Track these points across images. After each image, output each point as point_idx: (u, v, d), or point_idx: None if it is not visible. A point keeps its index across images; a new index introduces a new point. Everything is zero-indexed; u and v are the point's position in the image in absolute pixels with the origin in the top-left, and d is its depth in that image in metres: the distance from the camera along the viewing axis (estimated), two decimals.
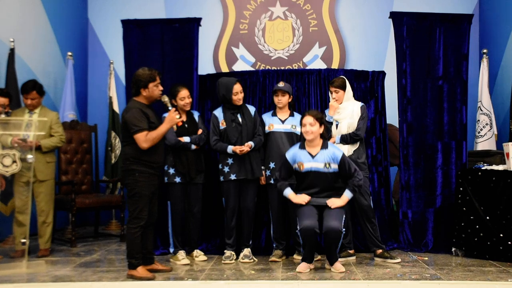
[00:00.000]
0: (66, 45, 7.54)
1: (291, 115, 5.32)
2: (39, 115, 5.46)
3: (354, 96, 5.34)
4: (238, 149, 5.09)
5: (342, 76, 5.30)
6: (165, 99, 4.59)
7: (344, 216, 4.68)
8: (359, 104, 5.22)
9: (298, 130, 5.17)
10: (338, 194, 4.77)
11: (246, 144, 5.12)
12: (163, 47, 5.61)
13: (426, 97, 5.58)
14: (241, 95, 5.21)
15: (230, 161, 5.19)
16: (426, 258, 5.18)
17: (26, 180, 5.16)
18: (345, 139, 5.09)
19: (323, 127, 4.76)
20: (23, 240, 5.00)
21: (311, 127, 4.69)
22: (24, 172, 5.09)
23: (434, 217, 5.54)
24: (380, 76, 5.77)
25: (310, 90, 5.66)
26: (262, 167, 5.24)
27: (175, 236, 5.23)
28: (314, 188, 4.76)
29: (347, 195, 4.75)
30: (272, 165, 5.18)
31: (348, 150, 5.12)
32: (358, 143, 5.18)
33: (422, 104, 5.58)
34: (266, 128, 5.28)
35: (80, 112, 7.81)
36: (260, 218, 5.55)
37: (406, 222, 5.60)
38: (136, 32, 5.63)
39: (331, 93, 5.24)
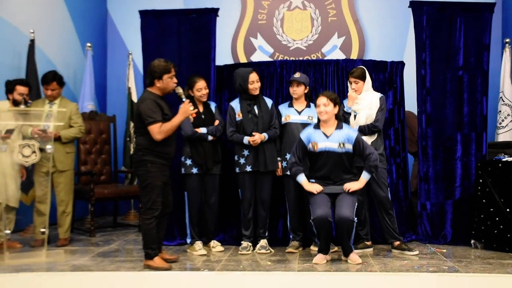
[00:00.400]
0: (86, 36, 7.59)
1: (308, 106, 5.29)
2: (59, 106, 5.52)
3: (372, 86, 5.29)
4: (250, 139, 5.09)
5: (361, 66, 5.25)
6: (179, 90, 4.59)
7: (356, 204, 4.66)
8: (378, 95, 5.16)
9: (315, 121, 5.14)
10: (351, 179, 4.75)
11: (258, 135, 5.11)
12: (180, 38, 5.60)
13: (446, 88, 5.50)
14: (257, 84, 5.19)
15: (246, 152, 5.19)
16: (445, 250, 5.13)
17: (46, 170, 5.21)
18: (363, 131, 5.04)
19: (337, 107, 4.75)
20: (42, 230, 5.07)
21: (325, 107, 4.69)
22: (44, 162, 5.16)
23: (453, 209, 5.48)
24: (399, 66, 5.71)
25: (328, 81, 5.62)
26: (279, 158, 5.22)
27: (192, 227, 5.25)
28: (328, 169, 4.72)
29: (364, 177, 4.72)
30: (288, 156, 5.16)
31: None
32: (376, 135, 5.12)
33: (442, 95, 5.50)
34: (283, 119, 5.26)
35: (99, 103, 7.88)
36: (276, 209, 5.54)
37: (424, 214, 5.55)
38: (154, 23, 5.64)
39: (350, 83, 5.19)
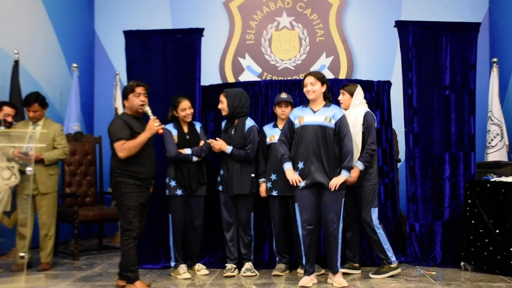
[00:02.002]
0: (72, 56, 7.55)
1: None
2: (43, 127, 5.44)
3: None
4: (210, 142, 5.11)
5: (357, 84, 5.20)
6: (146, 108, 4.56)
7: (342, 207, 4.59)
8: (364, 111, 5.03)
9: None
10: (336, 158, 4.62)
11: (220, 141, 5.12)
12: (165, 58, 5.58)
13: (433, 107, 5.47)
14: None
15: (221, 171, 5.21)
16: (434, 273, 5.05)
17: (28, 193, 5.12)
18: (366, 159, 4.94)
19: (325, 86, 4.72)
20: (22, 254, 4.96)
21: (312, 86, 4.67)
22: (26, 184, 5.07)
23: (442, 230, 5.41)
24: (385, 86, 5.67)
25: None
26: (263, 179, 5.15)
27: (176, 250, 5.15)
28: (311, 143, 4.60)
29: (343, 174, 4.58)
30: (273, 176, 5.08)
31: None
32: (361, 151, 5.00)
33: (429, 114, 5.47)
34: (268, 139, 5.20)
35: (86, 123, 7.82)
36: (262, 230, 5.46)
37: (413, 235, 5.47)
38: (138, 43, 5.62)
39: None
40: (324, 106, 4.71)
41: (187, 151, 5.08)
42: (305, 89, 4.73)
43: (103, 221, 6.52)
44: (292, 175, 4.64)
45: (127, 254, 4.41)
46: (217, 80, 7.65)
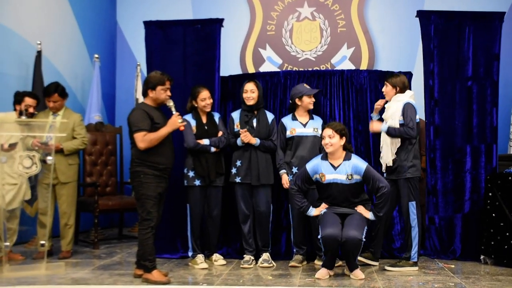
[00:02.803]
0: (94, 47, 7.62)
1: (311, 118, 5.25)
2: (63, 117, 5.50)
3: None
4: (241, 134, 5.09)
5: (403, 75, 5.14)
6: (170, 103, 4.59)
7: (366, 225, 4.58)
8: (403, 102, 4.94)
9: (319, 132, 5.10)
10: (362, 203, 4.70)
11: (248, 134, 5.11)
12: (185, 48, 5.60)
13: (455, 99, 5.39)
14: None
15: (238, 163, 5.19)
16: (453, 266, 5.00)
17: (48, 182, 5.20)
18: (392, 132, 4.89)
19: (344, 139, 4.66)
20: (42, 242, 5.04)
21: (330, 139, 4.62)
22: (46, 173, 5.16)
23: (462, 223, 5.35)
24: (406, 77, 5.57)
25: (333, 92, 5.52)
26: (284, 170, 5.15)
27: (193, 240, 5.19)
28: (337, 198, 4.68)
29: (369, 216, 4.64)
30: (295, 169, 5.09)
31: (389, 151, 4.94)
32: (400, 142, 4.93)
33: (450, 106, 5.39)
34: (288, 132, 5.19)
35: (108, 114, 7.90)
36: (279, 222, 5.47)
37: (433, 228, 5.42)
38: (158, 34, 5.64)
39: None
40: (344, 160, 4.66)
41: (205, 141, 5.10)
42: (323, 142, 4.68)
43: (123, 210, 6.58)
44: (317, 212, 4.74)
45: (145, 243, 4.44)
46: (238, 71, 7.66)
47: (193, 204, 5.15)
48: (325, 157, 4.72)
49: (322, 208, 4.71)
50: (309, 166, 4.75)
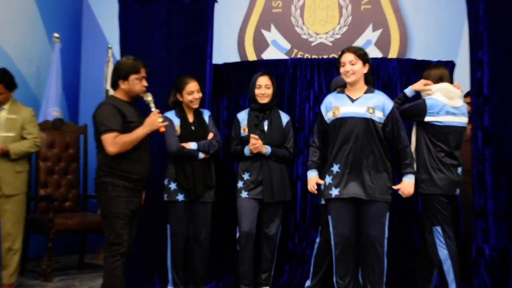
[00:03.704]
0: (54, 24, 7.57)
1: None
2: (9, 112, 5.44)
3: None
4: (250, 143, 5.11)
5: (443, 67, 5.20)
6: (148, 97, 4.61)
7: (387, 219, 4.56)
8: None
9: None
10: (381, 178, 4.57)
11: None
12: (168, 29, 5.67)
13: (510, 96, 5.32)
14: (267, 91, 5.22)
15: (246, 176, 5.22)
16: None
17: None
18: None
19: (367, 66, 4.67)
20: None
21: (352, 66, 4.61)
22: None
23: None
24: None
25: None
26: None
27: (175, 271, 5.19)
28: (353, 145, 4.55)
29: (408, 178, 4.66)
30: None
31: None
32: (415, 144, 4.99)
33: (504, 104, 5.31)
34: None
35: (70, 108, 7.89)
36: (284, 246, 5.53)
37: (482, 261, 5.31)
38: (135, 10, 5.71)
39: None
40: (366, 92, 4.66)
41: (192, 145, 5.11)
42: (342, 69, 4.67)
43: (86, 232, 6.56)
44: (311, 182, 4.73)
45: (112, 274, 4.41)
46: (235, 58, 7.65)
47: (174, 224, 5.17)
48: (341, 91, 4.76)
49: (317, 180, 4.71)
50: (323, 104, 4.81)
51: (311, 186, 4.70)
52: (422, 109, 4.93)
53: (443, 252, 4.83)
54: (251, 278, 5.19)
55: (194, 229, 5.19)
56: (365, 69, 4.67)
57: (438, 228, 4.84)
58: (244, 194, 5.19)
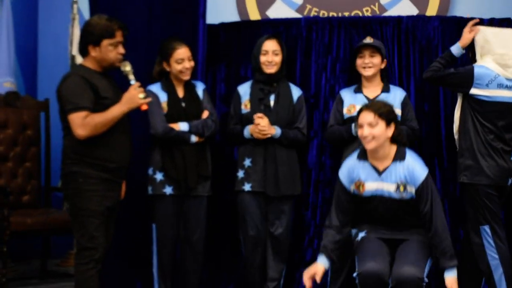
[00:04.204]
0: None
1: (386, 90, 5.39)
2: None
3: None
4: (253, 125, 5.20)
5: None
6: (126, 67, 4.65)
7: (429, 260, 4.57)
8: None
9: (397, 112, 5.13)
10: (421, 235, 4.67)
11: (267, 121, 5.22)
12: None
13: None
14: (275, 58, 5.31)
15: (247, 162, 5.31)
16: None
17: None
18: None
19: (392, 127, 4.55)
20: None
21: (371, 128, 4.49)
22: None
23: None
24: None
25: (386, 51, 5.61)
26: None
27: (162, 279, 5.26)
28: (383, 218, 4.69)
29: (450, 275, 4.49)
30: None
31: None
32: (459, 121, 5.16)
33: None
34: (345, 110, 5.34)
35: (26, 79, 7.90)
36: (297, 253, 5.66)
37: None
38: None
39: None
40: (395, 160, 4.60)
41: (182, 126, 5.18)
42: (359, 132, 4.58)
43: (49, 233, 6.58)
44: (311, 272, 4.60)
45: (85, 285, 4.48)
46: (234, 17, 7.60)
47: (162, 223, 5.23)
48: (364, 156, 4.67)
49: (318, 274, 4.55)
50: (342, 172, 4.73)
51: (307, 277, 4.55)
52: (468, 78, 5.01)
53: (493, 257, 4.92)
54: (259, 286, 5.34)
55: (185, 228, 5.25)
56: (390, 131, 4.53)
57: (486, 228, 4.94)
58: (247, 187, 5.28)
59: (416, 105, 5.64)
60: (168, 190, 5.20)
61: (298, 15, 7.46)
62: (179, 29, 5.56)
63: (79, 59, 7.41)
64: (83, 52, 4.65)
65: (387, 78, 5.44)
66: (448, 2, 7.66)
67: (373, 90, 5.37)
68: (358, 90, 5.39)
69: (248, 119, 5.30)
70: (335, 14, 7.39)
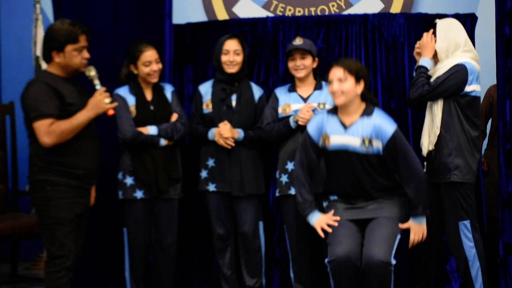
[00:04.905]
0: None
1: (318, 87, 5.40)
2: None
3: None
4: (218, 129, 5.22)
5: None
6: (91, 72, 4.64)
7: (397, 239, 4.57)
8: (452, 63, 5.07)
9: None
10: (394, 192, 4.73)
11: (229, 126, 5.24)
12: None
13: None
14: (236, 57, 5.33)
15: (211, 162, 5.35)
16: None
17: None
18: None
19: (362, 83, 4.66)
20: None
21: (341, 84, 4.60)
22: None
23: None
24: (467, 22, 5.66)
25: (351, 48, 5.67)
26: (277, 172, 5.33)
27: (134, 283, 5.27)
28: (347, 181, 4.69)
29: (416, 222, 4.67)
30: (290, 166, 5.23)
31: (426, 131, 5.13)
32: (441, 122, 5.06)
33: None
34: (280, 110, 5.35)
35: None
36: (270, 251, 5.64)
37: (510, 260, 5.50)
38: None
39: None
40: (363, 115, 4.67)
41: (151, 130, 5.19)
42: (329, 88, 4.70)
43: (18, 237, 6.54)
44: (319, 225, 4.70)
45: None
46: (201, 16, 7.61)
47: (133, 227, 5.24)
48: (334, 111, 4.77)
49: (331, 219, 4.67)
50: (311, 125, 4.81)
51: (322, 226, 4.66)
52: (464, 78, 4.96)
53: (471, 251, 4.96)
54: (236, 285, 5.39)
55: (157, 232, 5.27)
56: (359, 88, 4.64)
57: (466, 223, 4.95)
58: (211, 187, 5.32)
59: (383, 103, 5.67)
60: (139, 194, 5.20)
61: (264, 11, 7.49)
62: (145, 30, 5.56)
63: (43, 62, 7.47)
64: (47, 58, 4.62)
65: (320, 75, 5.42)
66: None
67: (306, 89, 5.38)
68: (293, 89, 5.40)
69: (211, 120, 5.32)
70: (301, 10, 7.43)
